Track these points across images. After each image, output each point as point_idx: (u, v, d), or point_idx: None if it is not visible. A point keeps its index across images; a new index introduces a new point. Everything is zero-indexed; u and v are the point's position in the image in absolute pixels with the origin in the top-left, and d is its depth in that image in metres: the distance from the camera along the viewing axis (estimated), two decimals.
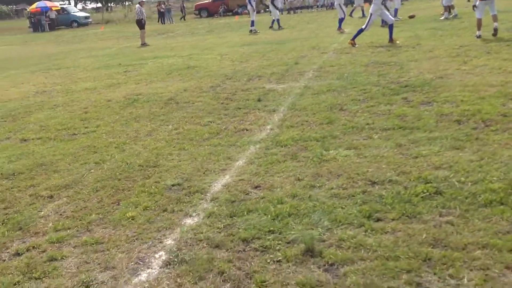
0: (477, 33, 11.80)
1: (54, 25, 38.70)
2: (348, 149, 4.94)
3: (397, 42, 12.28)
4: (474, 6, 12.05)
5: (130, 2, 67.90)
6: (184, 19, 38.29)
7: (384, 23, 15.52)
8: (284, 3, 33.04)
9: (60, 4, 53.70)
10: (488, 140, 4.76)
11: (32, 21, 38.80)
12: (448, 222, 3.29)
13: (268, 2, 23.37)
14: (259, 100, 7.58)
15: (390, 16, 12.86)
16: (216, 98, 8.01)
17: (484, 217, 3.31)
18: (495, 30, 11.49)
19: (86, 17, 42.20)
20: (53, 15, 39.01)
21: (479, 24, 11.85)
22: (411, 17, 19.13)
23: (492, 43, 10.78)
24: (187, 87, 9.19)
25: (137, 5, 20.31)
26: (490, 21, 11.82)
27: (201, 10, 40.09)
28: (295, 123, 6.09)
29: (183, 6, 40.33)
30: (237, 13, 37.07)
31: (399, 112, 6.10)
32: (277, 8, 21.82)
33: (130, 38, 24.70)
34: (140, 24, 19.45)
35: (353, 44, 12.56)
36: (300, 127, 5.92)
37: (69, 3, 76.16)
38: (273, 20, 21.81)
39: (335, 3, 18.74)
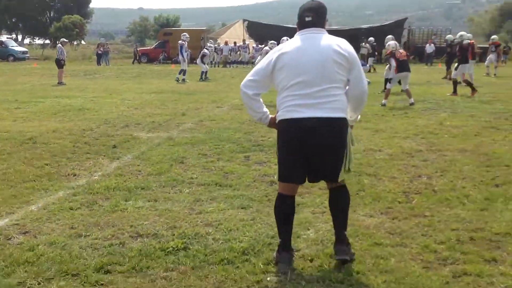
0: (383, 101, 12.40)
1: None
2: (148, 201, 5.01)
3: None
4: (387, 79, 13.12)
5: (79, 41, 67.92)
6: (139, 62, 38.28)
7: None
8: (219, 55, 33.77)
9: (7, 38, 52.77)
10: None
11: None
12: (164, 277, 3.37)
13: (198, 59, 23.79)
14: (114, 147, 7.63)
15: None
16: (76, 141, 7.99)
17: (203, 275, 3.40)
18: (412, 104, 12.22)
19: (24, 52, 41.61)
20: None
21: (387, 94, 12.56)
22: None
23: (379, 112, 11.35)
24: (59, 128, 9.15)
25: (59, 45, 20.30)
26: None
27: (141, 56, 40.32)
28: (126, 172, 6.15)
29: (137, 50, 40.53)
30: (176, 62, 37.44)
31: (229, 169, 6.26)
32: (204, 63, 22.49)
33: (55, 76, 24.42)
34: (59, 63, 19.39)
35: None
36: (126, 176, 5.98)
37: (17, 38, 75.37)
38: (202, 72, 22.25)
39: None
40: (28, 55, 42.14)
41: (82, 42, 70.22)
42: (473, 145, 7.53)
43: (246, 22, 39.48)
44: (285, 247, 3.53)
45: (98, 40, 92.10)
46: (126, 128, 9.28)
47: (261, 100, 3.54)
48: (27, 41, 76.40)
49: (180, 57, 21.66)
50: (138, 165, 6.51)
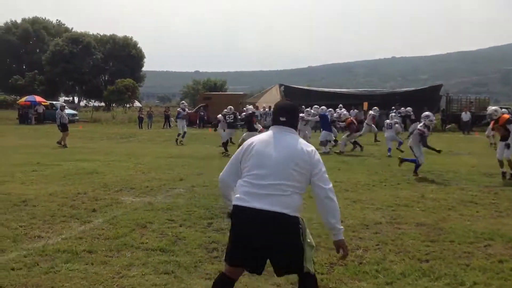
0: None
1: (40, 119, 40.55)
2: (85, 264, 5.43)
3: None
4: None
5: (130, 104, 71.15)
6: (169, 126, 39.29)
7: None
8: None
9: (65, 100, 56.19)
10: None
11: (20, 113, 40.92)
12: None
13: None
14: (93, 210, 8.15)
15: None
16: (63, 204, 8.57)
17: None
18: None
19: (74, 115, 43.89)
20: (40, 109, 41.09)
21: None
22: None
23: (372, 182, 11.49)
24: (57, 191, 9.79)
25: (58, 110, 22.03)
26: None
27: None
28: (87, 236, 6.60)
29: (168, 114, 42.14)
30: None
31: (184, 235, 6.63)
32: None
33: (94, 139, 25.85)
34: (59, 128, 21.42)
35: None
36: (84, 239, 6.42)
37: (73, 100, 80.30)
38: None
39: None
40: (77, 117, 44.61)
41: (136, 104, 73.68)
42: (436, 219, 7.58)
43: (283, 87, 40.57)
44: None
45: (155, 103, 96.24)
46: (118, 193, 9.84)
47: (234, 189, 3.72)
48: (83, 103, 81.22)
49: (177, 122, 23.63)
50: (103, 229, 6.96)
